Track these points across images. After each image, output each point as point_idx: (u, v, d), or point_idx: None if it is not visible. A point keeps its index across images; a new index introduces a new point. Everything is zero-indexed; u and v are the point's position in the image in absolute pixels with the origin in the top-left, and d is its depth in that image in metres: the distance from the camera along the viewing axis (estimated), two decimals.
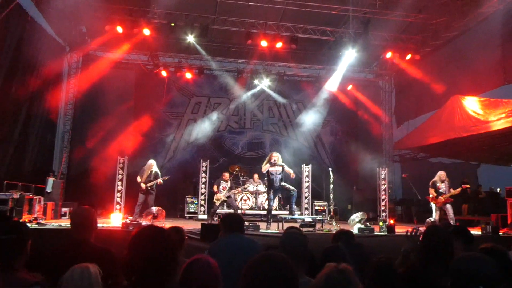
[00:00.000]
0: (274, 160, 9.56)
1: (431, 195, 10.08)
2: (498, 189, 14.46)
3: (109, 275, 2.29)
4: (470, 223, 11.75)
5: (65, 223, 9.25)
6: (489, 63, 11.23)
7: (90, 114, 14.21)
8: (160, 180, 10.51)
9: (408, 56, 13.63)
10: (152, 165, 10.62)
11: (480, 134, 11.07)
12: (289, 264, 1.73)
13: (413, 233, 3.72)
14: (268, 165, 9.61)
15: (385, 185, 13.83)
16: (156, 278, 1.88)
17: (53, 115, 13.65)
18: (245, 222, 8.87)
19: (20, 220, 7.96)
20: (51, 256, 2.69)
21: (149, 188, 10.41)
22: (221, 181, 11.19)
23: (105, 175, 13.01)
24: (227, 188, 11.02)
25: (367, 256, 3.42)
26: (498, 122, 10.39)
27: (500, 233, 9.19)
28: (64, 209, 11.01)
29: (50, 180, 11.11)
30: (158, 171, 10.76)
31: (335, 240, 3.70)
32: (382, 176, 13.85)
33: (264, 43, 13.05)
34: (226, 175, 11.30)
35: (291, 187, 10.46)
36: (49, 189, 10.88)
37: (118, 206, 11.67)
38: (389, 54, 13.79)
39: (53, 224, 8.96)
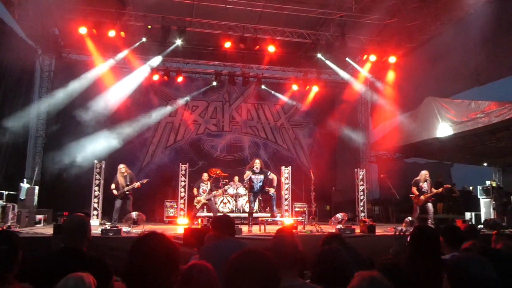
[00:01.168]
0: (256, 168, 9.58)
1: (414, 194, 10.32)
2: (471, 187, 14.91)
3: (102, 285, 2.22)
4: (445, 221, 12.07)
5: (41, 230, 8.97)
6: (462, 66, 11.57)
7: (65, 118, 13.81)
8: (138, 184, 10.32)
9: (384, 59, 13.87)
10: (124, 169, 10.41)
11: (453, 134, 11.38)
12: (270, 259, 1.72)
13: (401, 234, 3.78)
14: (250, 172, 9.63)
15: (363, 186, 14.03)
16: (158, 285, 1.83)
17: (26, 119, 13.20)
18: None
19: (11, 229, 7.69)
20: (40, 265, 2.59)
21: (127, 192, 10.21)
22: (201, 183, 11.10)
23: (80, 181, 12.71)
24: (207, 191, 10.93)
25: (363, 259, 3.46)
26: (470, 122, 10.72)
27: None
28: (38, 216, 10.64)
29: (24, 186, 10.74)
30: (132, 173, 10.58)
31: (326, 244, 3.67)
32: (360, 177, 14.06)
33: (242, 46, 13.04)
34: (205, 176, 11.21)
35: (271, 189, 10.49)
36: (22, 196, 10.50)
37: (95, 212, 11.41)
38: (373, 57, 13.99)
39: (29, 232, 8.66)
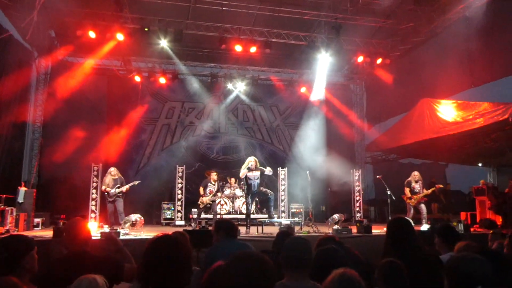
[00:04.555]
0: (251, 165, 9.58)
1: (406, 195, 10.41)
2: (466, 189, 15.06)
3: (112, 283, 2.27)
4: (440, 221, 12.17)
5: (40, 233, 8.98)
6: (456, 67, 11.70)
7: (61, 121, 13.75)
8: (127, 187, 10.23)
9: (379, 60, 13.98)
10: (114, 172, 10.39)
11: (448, 135, 11.50)
12: (266, 261, 1.77)
13: None
14: (246, 170, 9.63)
15: (359, 187, 14.15)
16: (171, 285, 1.88)
17: (22, 123, 13.19)
18: None
19: (16, 233, 7.65)
20: (50, 269, 2.63)
21: (119, 194, 10.14)
22: (209, 183, 10.86)
23: (78, 184, 12.70)
24: (214, 192, 10.80)
25: (359, 259, 3.52)
26: (465, 123, 10.83)
27: (471, 231, 9.58)
28: (36, 220, 10.64)
29: (22, 190, 10.72)
30: (123, 178, 10.53)
31: (321, 246, 3.70)
32: (356, 178, 14.17)
33: (238, 48, 13.10)
34: (214, 177, 10.86)
35: (269, 191, 10.55)
36: (20, 199, 10.48)
37: (93, 215, 11.42)
38: (360, 58, 14.12)
39: (27, 235, 8.64)
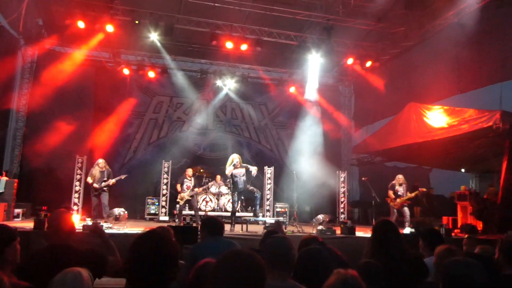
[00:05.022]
0: (236, 162, 9.59)
1: (389, 197, 10.51)
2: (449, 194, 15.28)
3: (96, 276, 2.24)
4: (422, 224, 12.32)
5: (20, 224, 8.82)
6: (444, 73, 11.85)
7: (46, 111, 13.50)
8: (114, 181, 10.11)
9: (368, 63, 14.07)
10: (102, 164, 10.26)
11: (433, 140, 11.64)
12: (258, 260, 1.76)
13: None
14: (231, 167, 9.62)
15: (344, 188, 14.24)
16: (157, 281, 1.86)
17: (5, 111, 12.94)
18: None
19: None
20: (31, 261, 2.57)
21: (104, 188, 10.04)
22: (185, 179, 11.03)
23: (61, 175, 12.51)
24: (191, 187, 10.89)
25: (342, 260, 3.53)
26: (450, 129, 10.98)
27: (452, 235, 9.72)
28: (17, 210, 10.45)
29: (3, 179, 10.50)
30: (110, 170, 10.41)
31: (304, 246, 3.69)
32: (342, 179, 14.26)
33: (229, 45, 13.05)
34: (189, 172, 11.13)
35: (255, 189, 10.53)
36: (1, 189, 10.28)
37: (75, 207, 11.26)
38: (350, 61, 14.18)
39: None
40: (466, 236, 4.75)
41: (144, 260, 1.86)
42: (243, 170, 9.70)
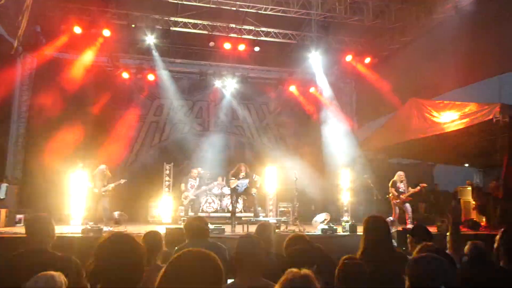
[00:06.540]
0: (242, 175, 9.64)
1: (391, 195, 10.42)
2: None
3: (71, 284, 2.21)
4: (426, 221, 12.22)
5: (21, 230, 8.84)
6: (443, 67, 11.72)
7: (47, 117, 13.55)
8: (113, 186, 10.22)
9: (367, 60, 13.99)
10: (105, 170, 10.37)
11: (435, 135, 11.54)
12: (214, 259, 1.73)
13: None
14: (235, 180, 9.67)
15: (347, 186, 14.12)
16: (122, 285, 1.84)
17: (6, 118, 13.02)
18: (211, 225, 8.83)
19: None
20: (6, 265, 2.55)
21: (103, 193, 10.15)
22: (189, 179, 11.06)
23: (62, 181, 12.54)
24: (195, 186, 10.91)
25: (329, 258, 3.50)
26: (452, 124, 10.88)
27: None
28: (18, 216, 10.48)
29: (4, 185, 10.58)
30: (110, 175, 10.51)
31: (290, 246, 3.65)
32: (344, 177, 14.14)
33: (227, 46, 13.03)
34: (195, 172, 11.14)
35: (255, 190, 10.52)
36: (2, 195, 10.35)
37: (76, 212, 11.27)
38: (349, 57, 14.11)
39: (8, 231, 8.55)
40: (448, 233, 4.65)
41: (109, 264, 1.84)
42: (246, 181, 9.77)
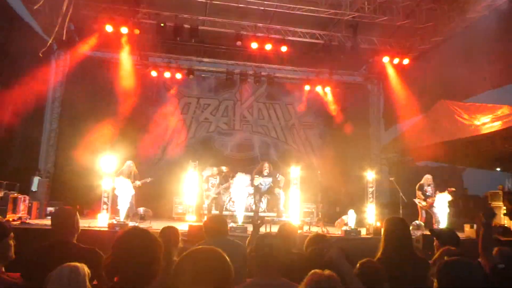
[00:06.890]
0: (266, 172, 9.65)
1: (418, 198, 10.22)
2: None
3: (94, 275, 2.28)
4: (454, 226, 11.90)
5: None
6: (475, 69, 11.39)
7: (78, 113, 14.00)
8: (139, 183, 10.33)
9: (396, 60, 13.74)
10: (131, 166, 10.50)
11: (465, 138, 11.23)
12: (220, 257, 1.75)
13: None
14: (259, 178, 9.69)
15: (372, 188, 13.91)
16: (138, 279, 1.88)
17: (40, 113, 13.48)
18: (233, 224, 8.89)
19: None
20: (32, 256, 2.66)
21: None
22: (210, 178, 11.16)
23: (92, 175, 12.86)
24: (216, 185, 11.00)
25: (348, 260, 3.47)
26: (483, 126, 10.55)
27: None
28: (49, 209, 10.82)
29: (36, 178, 10.97)
30: (137, 172, 10.65)
31: (310, 245, 3.63)
32: (370, 180, 13.93)
33: (254, 45, 13.06)
34: (215, 171, 11.25)
35: (278, 190, 10.52)
36: (34, 188, 10.73)
37: (105, 206, 11.54)
38: (378, 58, 13.89)
39: (38, 223, 8.86)
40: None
41: (126, 258, 1.89)
42: (270, 179, 9.77)
